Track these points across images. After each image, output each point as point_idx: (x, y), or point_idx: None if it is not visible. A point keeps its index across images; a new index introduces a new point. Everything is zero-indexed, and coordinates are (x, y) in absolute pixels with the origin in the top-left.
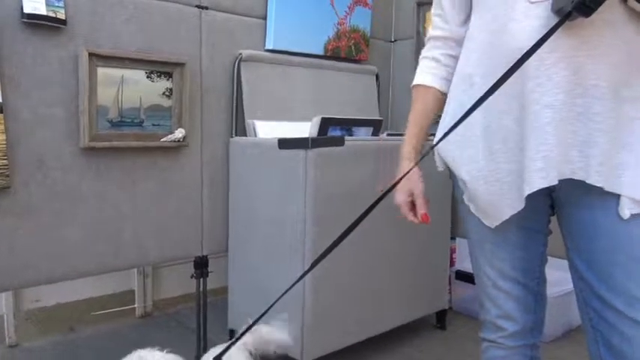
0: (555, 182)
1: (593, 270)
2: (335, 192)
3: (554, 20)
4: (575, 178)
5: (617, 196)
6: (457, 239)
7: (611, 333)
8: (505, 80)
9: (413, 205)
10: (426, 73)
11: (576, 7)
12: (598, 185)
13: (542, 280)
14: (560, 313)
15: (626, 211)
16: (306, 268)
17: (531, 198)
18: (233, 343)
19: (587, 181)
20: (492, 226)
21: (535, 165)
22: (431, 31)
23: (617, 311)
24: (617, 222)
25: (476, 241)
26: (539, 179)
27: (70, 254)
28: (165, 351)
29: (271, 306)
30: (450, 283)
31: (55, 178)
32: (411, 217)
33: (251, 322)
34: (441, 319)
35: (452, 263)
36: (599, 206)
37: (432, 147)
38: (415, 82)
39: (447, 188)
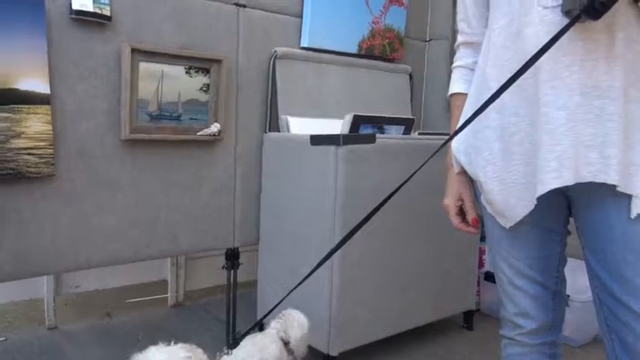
0: (570, 183)
1: (606, 269)
2: (364, 188)
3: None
4: (597, 180)
5: (629, 196)
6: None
7: (626, 332)
8: (516, 79)
9: (461, 211)
10: (462, 81)
11: (585, 10)
12: (616, 185)
13: (560, 280)
14: (590, 318)
15: (634, 211)
16: (335, 262)
17: (547, 198)
18: (252, 329)
19: (607, 182)
20: (507, 227)
21: (549, 165)
22: (459, 38)
23: (630, 310)
24: (628, 222)
25: (493, 240)
26: (553, 179)
27: (108, 241)
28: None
29: (292, 290)
30: (478, 285)
31: (96, 167)
32: (457, 222)
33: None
34: (468, 319)
35: (481, 265)
36: (612, 206)
37: (444, 144)
38: (451, 91)
39: None
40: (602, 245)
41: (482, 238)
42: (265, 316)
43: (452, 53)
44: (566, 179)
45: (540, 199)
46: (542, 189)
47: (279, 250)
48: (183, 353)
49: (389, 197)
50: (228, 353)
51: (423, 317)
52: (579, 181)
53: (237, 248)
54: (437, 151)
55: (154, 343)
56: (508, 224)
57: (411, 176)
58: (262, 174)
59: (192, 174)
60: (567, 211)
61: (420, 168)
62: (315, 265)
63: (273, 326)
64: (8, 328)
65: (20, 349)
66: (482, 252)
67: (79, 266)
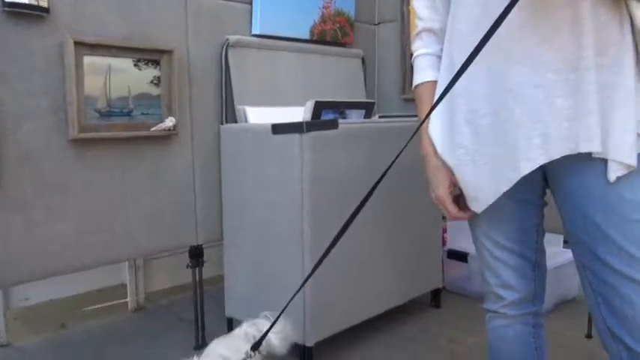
0: (557, 157)
1: (589, 233)
2: (331, 176)
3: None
4: (582, 151)
5: (605, 161)
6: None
7: (612, 295)
8: (477, 53)
9: (456, 198)
10: (430, 69)
11: None
12: (598, 152)
13: (539, 251)
14: (552, 285)
15: (611, 174)
16: (305, 253)
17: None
18: (266, 334)
19: (592, 151)
20: (479, 211)
21: (533, 143)
22: (421, 24)
23: (615, 272)
24: (606, 185)
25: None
26: (540, 156)
27: (63, 249)
28: None
29: (283, 310)
30: (442, 263)
31: (43, 171)
32: (456, 211)
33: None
34: (436, 297)
35: (444, 243)
36: (590, 172)
37: (417, 129)
38: (421, 79)
39: None
40: (583, 210)
41: (444, 217)
42: (277, 318)
43: (402, 35)
44: (552, 154)
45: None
46: (530, 166)
47: (246, 245)
48: None
49: (378, 181)
50: (251, 356)
51: (393, 299)
52: (565, 153)
53: (201, 245)
54: (412, 136)
55: (117, 350)
56: (481, 207)
57: (395, 159)
58: (222, 167)
59: (148, 172)
60: (543, 182)
61: (402, 151)
62: (284, 258)
63: (245, 329)
64: None
65: None
66: (444, 230)
67: (33, 278)
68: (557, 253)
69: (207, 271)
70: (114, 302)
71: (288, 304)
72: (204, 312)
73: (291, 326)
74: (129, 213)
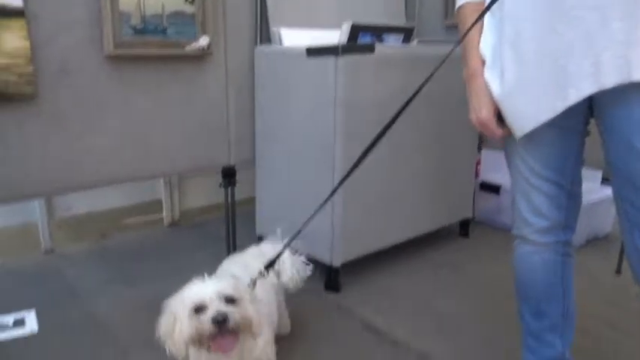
0: (609, 86)
1: (631, 163)
2: (365, 101)
3: None
4: (635, 79)
5: None
6: (483, 150)
7: None
8: None
9: (498, 120)
10: None
11: None
12: None
13: (576, 181)
14: (586, 221)
15: None
16: (335, 176)
17: None
18: (279, 255)
19: None
20: (519, 136)
21: (584, 70)
22: None
23: None
24: None
25: (509, 139)
26: (590, 85)
27: (100, 162)
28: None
29: (306, 223)
30: (473, 194)
31: (81, 85)
32: (501, 131)
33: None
34: (464, 227)
35: (476, 174)
36: (637, 100)
37: (456, 46)
38: (462, 0)
39: None
40: (628, 139)
41: (479, 148)
42: (295, 236)
43: None
44: (603, 83)
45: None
46: (578, 96)
47: (277, 167)
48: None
49: (406, 104)
50: (264, 275)
51: (422, 227)
52: (618, 83)
53: (234, 166)
54: (450, 53)
55: (155, 260)
56: (521, 133)
57: (429, 77)
58: (255, 89)
59: (183, 91)
60: (588, 110)
61: (432, 74)
62: (314, 181)
63: (261, 248)
64: (4, 254)
65: (20, 272)
66: (477, 162)
67: (72, 189)
68: (593, 189)
69: (240, 193)
70: (150, 217)
71: (310, 220)
72: (236, 230)
73: (301, 263)
74: (163, 131)
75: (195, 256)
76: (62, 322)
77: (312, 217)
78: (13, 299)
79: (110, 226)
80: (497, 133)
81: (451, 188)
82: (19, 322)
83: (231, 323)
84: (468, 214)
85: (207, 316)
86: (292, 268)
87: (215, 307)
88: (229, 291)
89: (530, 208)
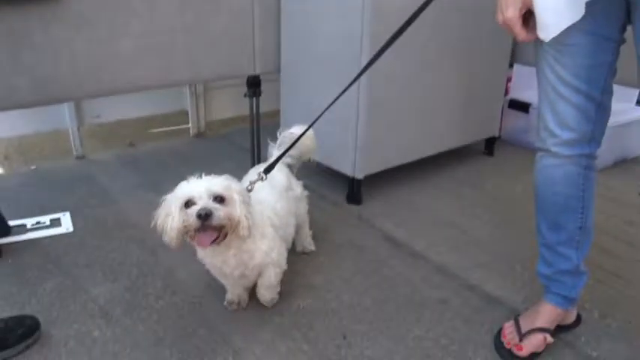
0: None
1: None
2: (394, 7)
3: None
4: None
5: None
6: (515, 66)
7: None
8: None
9: (524, 21)
10: None
11: None
12: None
13: (606, 91)
14: (615, 142)
15: None
16: (361, 88)
17: (603, 1)
18: (279, 158)
19: None
20: (548, 39)
21: None
22: None
23: None
24: None
25: (542, 44)
26: None
27: (127, 67)
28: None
29: (321, 114)
30: (501, 112)
31: None
32: (524, 34)
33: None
34: (490, 146)
35: (506, 92)
36: None
37: None
38: None
39: None
40: None
41: (511, 64)
42: (299, 138)
43: None
44: None
45: (595, 2)
46: None
47: (302, 77)
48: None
49: (419, 11)
50: (263, 178)
51: (446, 143)
52: None
53: (259, 75)
54: None
55: (182, 168)
56: (550, 35)
57: None
58: None
59: None
60: (625, 16)
61: None
62: (336, 91)
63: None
64: (37, 159)
65: (53, 176)
66: (508, 79)
67: (101, 93)
68: (627, 110)
69: (265, 105)
70: (177, 127)
71: (330, 105)
72: (260, 142)
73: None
74: (188, 37)
75: (219, 165)
76: (95, 222)
77: (333, 102)
78: (49, 201)
79: (138, 135)
80: (521, 35)
81: (478, 105)
82: (55, 222)
83: (214, 220)
84: (494, 133)
85: (193, 211)
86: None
87: (202, 203)
88: (218, 189)
89: (556, 119)
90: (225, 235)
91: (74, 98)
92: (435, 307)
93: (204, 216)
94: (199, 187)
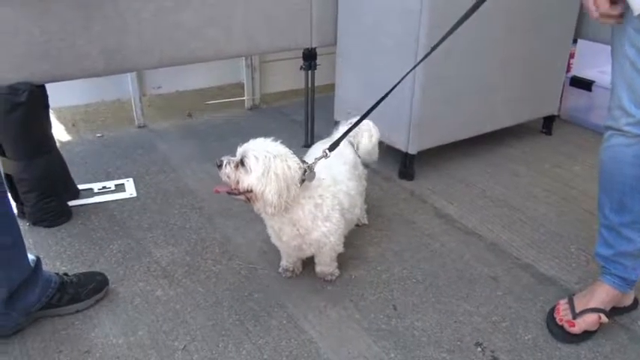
0: None
1: None
2: None
3: None
4: None
5: None
6: (579, 42)
7: None
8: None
9: None
10: None
11: None
12: None
13: None
14: None
15: None
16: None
17: None
18: (346, 134)
19: None
20: (636, 13)
21: None
22: None
23: None
24: None
25: (625, 18)
26: None
27: (188, 39)
28: (272, 139)
29: (379, 101)
30: (562, 90)
31: None
32: (607, 6)
33: (357, 115)
34: (548, 124)
35: (568, 69)
36: None
37: None
38: None
39: None
40: None
41: (574, 40)
42: (366, 115)
43: None
44: None
45: None
46: None
47: (357, 51)
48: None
49: None
50: (326, 155)
51: (502, 120)
52: None
53: (315, 49)
54: None
55: (237, 139)
56: (637, 9)
57: None
58: None
59: None
60: None
61: None
62: (395, 67)
63: (341, 130)
64: (102, 127)
65: (117, 144)
66: (571, 55)
67: (164, 63)
68: None
69: (320, 79)
70: (232, 99)
71: (388, 93)
72: (314, 114)
73: (376, 129)
74: (247, 10)
75: (275, 138)
76: (156, 189)
77: (387, 93)
78: (113, 168)
79: (195, 106)
80: (602, 7)
81: (538, 81)
82: (120, 187)
83: (221, 174)
84: (554, 111)
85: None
86: (365, 131)
87: (225, 160)
88: (246, 157)
89: (632, 97)
90: (249, 200)
91: (139, 68)
92: (485, 283)
93: (217, 165)
94: (243, 146)
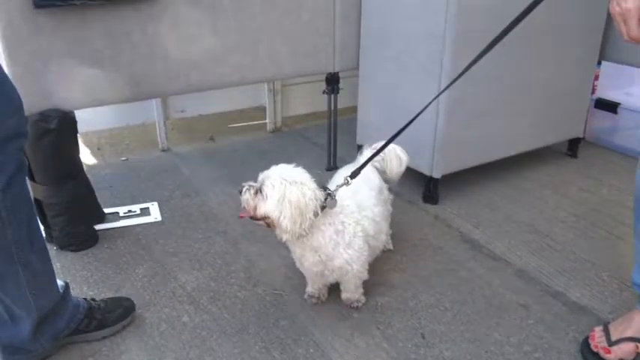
0: None
1: None
2: (480, 4)
3: None
4: None
5: None
6: (603, 64)
7: None
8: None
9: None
10: None
11: None
12: None
13: None
14: None
15: None
16: (442, 87)
17: None
18: (369, 161)
19: None
20: None
21: None
22: None
23: None
24: None
25: None
26: None
27: (214, 65)
28: (294, 165)
29: (406, 126)
30: (587, 112)
31: None
32: (626, 34)
33: (381, 140)
34: (573, 147)
35: (593, 91)
36: None
37: None
38: None
39: (602, 2)
40: None
41: (599, 62)
42: (390, 141)
43: None
44: None
45: None
46: None
47: (381, 75)
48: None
49: (524, 14)
50: (347, 183)
51: (527, 143)
52: None
53: (338, 73)
54: None
55: (260, 163)
56: None
57: None
58: None
59: None
60: None
61: None
62: (418, 90)
63: (366, 155)
64: (126, 150)
65: (142, 167)
66: (595, 77)
67: (189, 89)
68: None
69: (342, 102)
70: (254, 122)
71: (411, 121)
72: (337, 137)
73: (404, 153)
74: (271, 35)
75: (295, 161)
76: (180, 213)
77: (413, 119)
78: (138, 191)
79: (217, 129)
80: (633, 32)
81: (563, 103)
82: (145, 211)
83: (242, 201)
84: (579, 133)
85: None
86: (394, 156)
87: (245, 186)
88: (263, 184)
89: None
90: (268, 225)
91: (165, 94)
92: (515, 311)
93: (239, 191)
94: (264, 172)
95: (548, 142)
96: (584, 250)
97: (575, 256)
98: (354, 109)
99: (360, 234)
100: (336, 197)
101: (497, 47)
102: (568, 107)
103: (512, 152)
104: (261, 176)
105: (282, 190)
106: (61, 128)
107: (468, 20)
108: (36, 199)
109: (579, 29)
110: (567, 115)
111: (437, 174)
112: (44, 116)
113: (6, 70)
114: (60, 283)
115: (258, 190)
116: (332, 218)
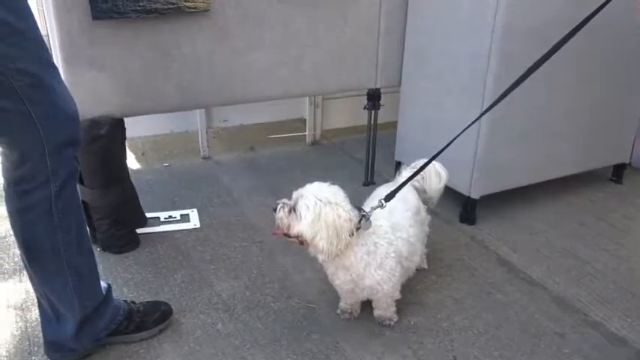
0: None
1: None
2: (526, 26)
3: None
4: None
5: None
6: None
7: None
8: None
9: None
10: None
11: None
12: None
13: None
14: None
15: None
16: (485, 106)
17: None
18: (406, 182)
19: None
20: None
21: None
22: None
23: None
24: None
25: None
26: None
27: (258, 78)
28: (329, 183)
29: (446, 146)
30: (634, 136)
31: (246, 3)
32: None
33: (421, 159)
34: (618, 172)
35: None
36: None
37: None
38: None
39: None
40: None
41: None
42: (431, 160)
43: None
44: None
45: None
46: None
47: (422, 92)
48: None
49: (569, 36)
50: (382, 206)
51: (569, 167)
52: None
53: (379, 89)
54: None
55: (298, 175)
56: None
57: (594, 14)
58: (408, 12)
59: (337, 11)
60: None
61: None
62: (461, 109)
63: (405, 175)
64: (169, 157)
65: (183, 174)
66: None
67: (233, 101)
68: None
69: (381, 117)
70: (294, 134)
71: (452, 141)
72: (376, 153)
73: (444, 170)
74: (316, 51)
75: (333, 174)
76: (219, 220)
77: (454, 138)
78: (179, 197)
79: (258, 140)
80: None
81: (608, 128)
82: (185, 217)
83: (277, 219)
84: (625, 159)
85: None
86: (433, 173)
87: (280, 204)
88: (297, 203)
89: None
90: (302, 243)
91: (210, 105)
92: (551, 340)
93: (273, 209)
94: (299, 190)
95: (593, 166)
96: (626, 280)
97: (615, 286)
98: (393, 125)
99: (392, 255)
100: (371, 218)
101: (541, 69)
102: (614, 132)
103: (554, 176)
104: (295, 194)
105: (317, 211)
106: (110, 134)
107: (513, 41)
108: (83, 202)
109: (627, 54)
110: (613, 140)
111: (475, 194)
112: (95, 122)
113: (63, 78)
114: (103, 284)
115: (292, 209)
116: (364, 239)
